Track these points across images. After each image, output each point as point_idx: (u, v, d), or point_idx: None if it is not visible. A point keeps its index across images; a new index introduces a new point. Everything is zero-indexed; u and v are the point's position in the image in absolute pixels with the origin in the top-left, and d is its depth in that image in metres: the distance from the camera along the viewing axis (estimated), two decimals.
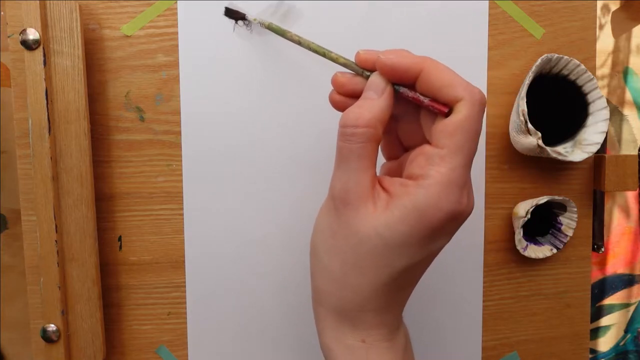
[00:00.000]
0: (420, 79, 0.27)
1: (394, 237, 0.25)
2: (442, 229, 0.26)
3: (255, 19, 0.37)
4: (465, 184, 0.26)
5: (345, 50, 0.39)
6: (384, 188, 0.27)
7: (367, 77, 0.29)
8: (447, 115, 0.26)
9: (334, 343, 0.29)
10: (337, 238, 0.27)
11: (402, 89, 0.28)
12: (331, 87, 0.30)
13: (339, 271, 0.27)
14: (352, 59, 0.30)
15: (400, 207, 0.25)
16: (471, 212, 0.27)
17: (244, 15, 0.37)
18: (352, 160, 0.26)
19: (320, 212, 0.29)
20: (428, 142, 0.27)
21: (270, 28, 0.35)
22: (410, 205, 0.25)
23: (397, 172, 0.31)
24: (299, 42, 0.33)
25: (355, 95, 0.29)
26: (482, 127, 0.29)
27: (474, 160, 0.27)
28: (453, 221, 0.26)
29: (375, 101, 0.27)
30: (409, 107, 0.29)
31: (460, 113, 0.25)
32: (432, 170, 0.25)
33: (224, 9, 0.37)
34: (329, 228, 0.28)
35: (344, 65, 0.30)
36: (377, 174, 0.31)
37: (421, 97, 0.27)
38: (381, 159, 0.32)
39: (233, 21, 0.38)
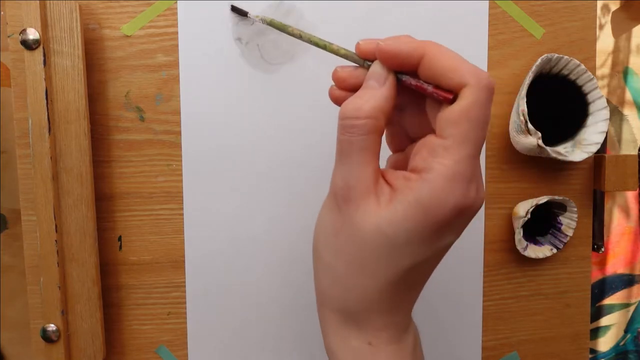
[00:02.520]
0: (422, 64, 0.25)
1: (397, 235, 0.24)
2: (448, 224, 0.24)
3: (257, 16, 0.37)
4: (472, 177, 0.24)
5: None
6: (387, 182, 0.26)
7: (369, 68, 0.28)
8: (452, 102, 0.24)
9: (339, 346, 0.28)
10: (339, 237, 0.26)
11: (405, 77, 0.26)
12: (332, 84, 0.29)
13: (343, 271, 0.26)
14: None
15: (403, 203, 0.24)
16: (481, 205, 0.26)
17: (247, 13, 0.37)
18: (353, 154, 0.25)
19: (322, 210, 0.28)
20: (434, 132, 0.26)
21: (272, 24, 0.35)
22: (414, 200, 0.24)
23: (403, 164, 0.30)
24: (300, 37, 0.32)
25: (357, 90, 0.27)
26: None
27: None
28: (460, 216, 0.24)
29: (376, 90, 0.26)
30: (415, 96, 0.28)
31: (466, 100, 0.24)
32: (435, 163, 0.24)
33: (230, 6, 0.38)
34: (331, 227, 0.27)
35: (345, 56, 0.29)
36: (384, 167, 0.30)
37: (424, 85, 0.26)
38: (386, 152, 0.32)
39: (235, 16, 0.38)
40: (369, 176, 0.25)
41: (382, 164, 0.30)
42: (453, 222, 0.25)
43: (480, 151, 0.25)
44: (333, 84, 0.29)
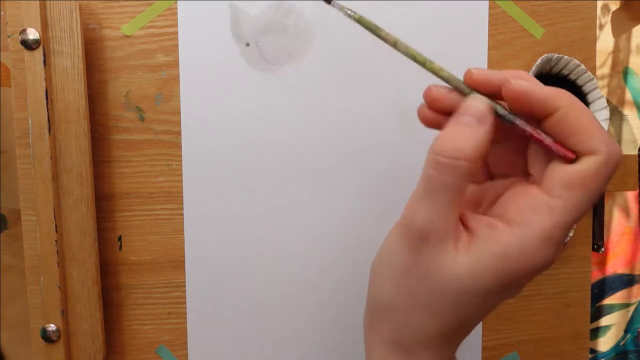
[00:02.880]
0: (554, 116, 0.23)
1: (476, 288, 0.23)
2: (526, 282, 0.24)
3: (344, 8, 0.32)
4: (562, 240, 0.23)
5: (346, 51, 0.39)
6: (463, 223, 0.24)
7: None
8: (571, 162, 0.23)
9: None
10: (409, 276, 0.24)
11: (519, 121, 0.24)
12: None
13: (407, 309, 0.25)
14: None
15: (487, 255, 0.23)
16: None
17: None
18: (445, 195, 0.23)
19: (390, 239, 0.26)
20: (525, 176, 0.25)
21: (361, 22, 0.30)
22: (500, 254, 0.22)
23: (476, 199, 0.28)
24: (395, 45, 0.28)
25: (448, 113, 0.25)
26: None
27: None
28: (538, 274, 0.23)
29: (476, 131, 0.23)
30: (511, 132, 0.25)
31: (591, 168, 0.22)
32: (534, 221, 0.22)
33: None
34: (400, 263, 0.25)
35: (447, 80, 0.26)
36: None
37: (542, 136, 0.23)
38: None
39: (235, 16, 0.38)
40: (454, 220, 0.24)
41: None
42: (530, 279, 0.24)
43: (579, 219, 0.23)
44: (422, 102, 0.27)
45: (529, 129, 0.24)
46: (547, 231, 0.22)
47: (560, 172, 0.22)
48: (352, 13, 0.31)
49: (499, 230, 0.23)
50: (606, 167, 0.22)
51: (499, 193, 0.26)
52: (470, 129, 0.23)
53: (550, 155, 0.24)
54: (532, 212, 0.22)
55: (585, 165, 0.22)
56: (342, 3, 0.32)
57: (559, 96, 0.23)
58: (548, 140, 0.23)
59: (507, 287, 0.23)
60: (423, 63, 0.27)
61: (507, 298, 0.25)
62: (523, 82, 0.23)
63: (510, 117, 0.24)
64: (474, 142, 0.23)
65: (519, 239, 0.22)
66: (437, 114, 0.26)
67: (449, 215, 0.23)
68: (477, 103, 0.24)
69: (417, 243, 0.24)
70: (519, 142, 0.26)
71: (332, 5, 0.32)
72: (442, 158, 0.23)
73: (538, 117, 0.23)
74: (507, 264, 0.22)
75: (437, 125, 0.26)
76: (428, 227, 0.23)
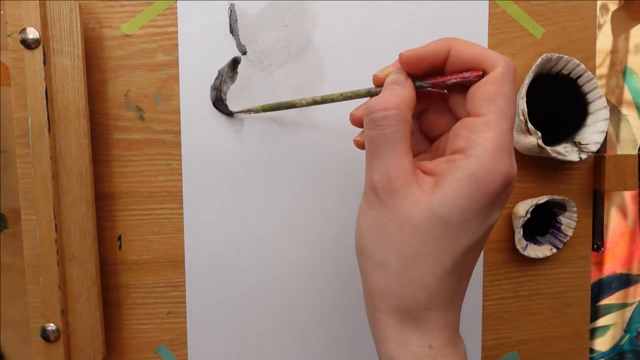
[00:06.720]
0: (451, 57, 0.26)
1: (452, 214, 0.24)
2: (497, 197, 0.25)
3: (244, 110, 0.38)
4: (511, 148, 0.25)
5: (346, 50, 0.39)
6: (424, 172, 0.26)
7: None
8: (481, 78, 0.26)
9: (398, 352, 0.26)
10: (388, 231, 0.25)
11: (426, 81, 0.28)
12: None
13: (397, 266, 0.25)
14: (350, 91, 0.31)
15: (453, 182, 0.24)
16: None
17: (232, 113, 0.38)
18: (388, 146, 0.25)
19: (361, 211, 0.28)
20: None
21: (265, 109, 0.37)
22: (465, 176, 0.24)
23: (430, 157, 0.30)
24: (302, 104, 0.34)
25: None
26: None
27: None
28: (507, 187, 0.25)
29: (399, 90, 0.27)
30: (430, 100, 0.29)
31: (498, 76, 0.25)
32: (480, 138, 0.24)
33: (212, 105, 0.38)
34: (377, 223, 0.26)
35: (356, 95, 0.31)
36: None
37: (449, 76, 0.27)
38: None
39: (234, 16, 0.38)
40: (408, 166, 0.25)
41: None
42: (501, 194, 0.25)
43: (514, 125, 0.26)
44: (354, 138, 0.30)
45: (437, 79, 0.27)
46: (494, 141, 0.24)
47: (480, 94, 0.25)
48: (253, 108, 0.37)
49: (456, 160, 0.25)
50: (509, 72, 0.25)
51: (444, 144, 0.28)
52: (393, 90, 0.27)
53: (464, 95, 0.27)
54: (475, 133, 0.25)
55: (492, 77, 0.25)
56: (236, 102, 0.38)
57: (445, 40, 0.27)
58: (455, 75, 0.27)
59: (484, 207, 0.25)
60: (331, 100, 0.32)
61: (491, 222, 0.26)
62: (410, 49, 0.27)
63: (419, 81, 0.28)
64: (398, 96, 0.26)
65: (476, 158, 0.24)
66: None
67: (401, 163, 0.25)
68: (395, 75, 0.28)
69: (385, 198, 0.25)
70: (439, 105, 0.29)
71: (234, 116, 0.38)
72: (373, 114, 0.26)
73: (439, 65, 0.27)
74: (475, 182, 0.24)
75: None
76: (386, 179, 0.25)
